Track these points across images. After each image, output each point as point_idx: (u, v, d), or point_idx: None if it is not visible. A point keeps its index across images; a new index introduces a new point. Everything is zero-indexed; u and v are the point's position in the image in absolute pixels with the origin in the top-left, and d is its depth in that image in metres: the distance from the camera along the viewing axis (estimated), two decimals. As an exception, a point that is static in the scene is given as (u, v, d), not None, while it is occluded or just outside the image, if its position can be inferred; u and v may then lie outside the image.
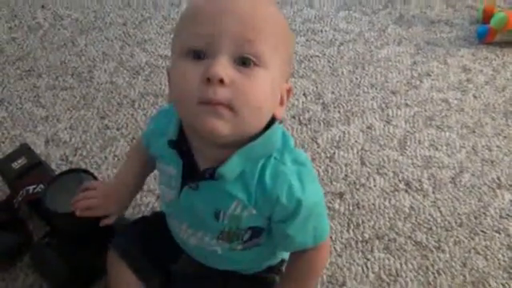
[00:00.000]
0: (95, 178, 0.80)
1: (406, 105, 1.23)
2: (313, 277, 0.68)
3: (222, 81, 0.49)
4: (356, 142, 1.12)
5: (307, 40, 1.46)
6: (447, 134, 1.16)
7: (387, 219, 0.95)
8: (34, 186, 0.86)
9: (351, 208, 0.97)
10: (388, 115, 1.20)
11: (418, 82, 1.31)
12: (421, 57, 1.41)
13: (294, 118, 1.18)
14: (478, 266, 0.88)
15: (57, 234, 0.81)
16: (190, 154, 0.59)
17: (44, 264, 0.81)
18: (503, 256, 0.90)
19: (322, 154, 1.08)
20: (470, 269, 0.88)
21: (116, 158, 1.05)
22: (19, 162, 0.89)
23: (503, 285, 0.86)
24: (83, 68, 1.31)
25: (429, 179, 1.04)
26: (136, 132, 1.11)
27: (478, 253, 0.90)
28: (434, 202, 0.99)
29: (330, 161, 1.07)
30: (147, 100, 1.21)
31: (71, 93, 1.23)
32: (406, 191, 1.01)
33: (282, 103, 0.57)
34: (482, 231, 0.94)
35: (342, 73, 1.34)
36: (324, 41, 1.46)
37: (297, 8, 1.62)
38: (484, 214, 0.98)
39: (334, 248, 0.89)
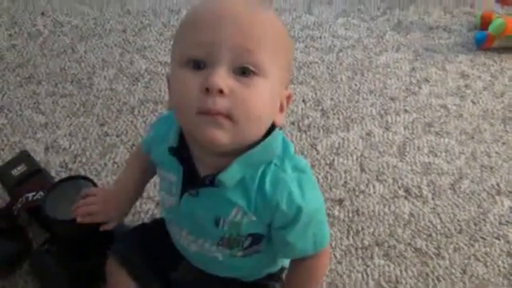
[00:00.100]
0: (95, 185, 0.80)
1: (405, 111, 1.24)
2: (313, 284, 0.68)
3: (221, 91, 0.49)
4: (355, 148, 1.12)
5: (306, 46, 1.46)
6: (446, 140, 1.16)
7: (387, 226, 0.95)
8: (34, 193, 0.86)
9: (351, 215, 0.97)
10: (387, 122, 1.20)
11: (416, 89, 1.32)
12: (419, 63, 1.42)
13: (293, 124, 1.18)
14: (478, 272, 0.88)
15: (56, 241, 0.81)
16: (191, 161, 0.59)
17: (43, 271, 0.81)
18: (503, 263, 0.90)
19: (322, 161, 1.09)
20: (470, 275, 0.88)
21: (116, 165, 1.05)
22: (19, 169, 0.89)
23: (503, 291, 0.86)
24: (83, 75, 1.32)
25: (428, 186, 1.04)
26: (136, 139, 1.12)
27: (478, 259, 0.90)
28: (434, 208, 0.99)
29: (330, 167, 1.07)
30: (147, 107, 1.21)
31: (71, 100, 1.23)
32: (406, 198, 1.01)
33: (281, 110, 0.57)
34: (482, 238, 0.94)
35: (341, 79, 1.34)
36: (323, 47, 1.46)
37: (296, 15, 1.62)
38: (483, 220, 0.98)
39: (334, 255, 0.89)
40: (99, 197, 0.73)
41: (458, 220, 0.97)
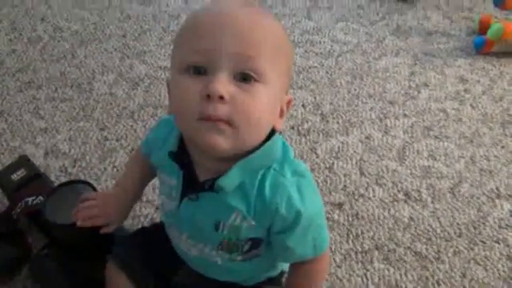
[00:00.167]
0: (94, 190, 0.80)
1: (404, 115, 1.24)
2: (313, 288, 0.68)
3: (221, 97, 0.49)
4: (355, 152, 1.12)
5: (306, 51, 1.47)
6: (445, 144, 1.16)
7: (386, 230, 0.95)
8: (33, 198, 0.86)
9: (350, 219, 0.97)
10: (386, 125, 1.20)
11: (415, 93, 1.32)
12: (418, 67, 1.42)
13: (292, 128, 1.18)
14: (478, 276, 0.88)
15: (56, 245, 0.81)
16: (191, 166, 0.59)
17: (43, 276, 0.81)
18: (503, 266, 0.90)
19: (321, 165, 1.09)
20: (470, 279, 0.88)
21: (115, 170, 1.05)
22: (18, 173, 0.89)
23: (503, 295, 0.86)
24: (83, 80, 1.32)
25: (428, 189, 1.04)
26: (135, 143, 1.12)
27: (478, 263, 0.90)
28: (433, 212, 0.99)
29: (329, 171, 1.07)
30: (146, 111, 1.21)
31: (71, 104, 1.23)
32: (405, 201, 1.01)
33: (281, 115, 0.58)
34: (482, 241, 0.94)
35: (341, 84, 1.34)
36: (322, 52, 1.47)
37: (295, 20, 1.63)
38: (483, 224, 0.98)
39: (334, 259, 0.89)
40: (99, 200, 0.73)
41: (458, 224, 0.97)
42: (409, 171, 1.08)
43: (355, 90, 1.32)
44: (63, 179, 1.01)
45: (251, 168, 0.56)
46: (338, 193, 1.02)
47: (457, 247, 0.93)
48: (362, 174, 1.07)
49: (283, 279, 0.74)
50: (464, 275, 0.88)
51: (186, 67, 0.52)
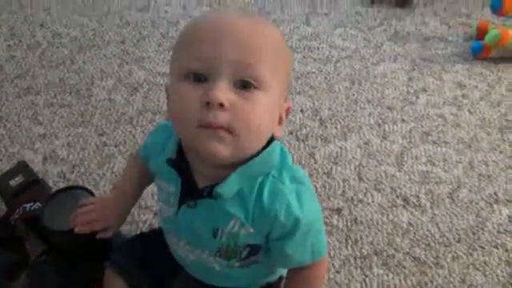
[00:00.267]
0: (93, 195, 0.80)
1: (403, 120, 1.24)
2: (311, 294, 0.68)
3: (221, 105, 0.49)
4: (353, 157, 1.12)
5: (304, 57, 1.47)
6: (444, 149, 1.16)
7: (385, 235, 0.95)
8: (31, 204, 0.85)
9: (349, 224, 0.97)
10: (385, 131, 1.21)
11: (414, 98, 1.32)
12: (416, 73, 1.43)
13: (291, 134, 1.18)
14: (477, 281, 0.88)
15: (54, 251, 0.81)
16: (189, 172, 0.59)
17: (41, 282, 0.80)
18: (502, 272, 0.90)
19: (320, 170, 1.09)
20: (469, 285, 0.87)
21: (114, 175, 1.05)
22: (16, 179, 0.89)
23: (502, 301, 0.86)
24: (81, 85, 1.32)
25: (426, 195, 1.04)
26: (134, 149, 1.12)
27: (477, 268, 0.90)
28: (432, 217, 0.99)
29: (328, 177, 1.07)
30: (145, 117, 1.22)
31: (69, 110, 1.23)
32: (404, 207, 1.01)
33: (280, 122, 0.58)
34: (481, 247, 0.94)
35: (339, 89, 1.35)
36: (321, 58, 1.47)
37: (293, 26, 1.64)
38: (482, 229, 0.98)
39: (333, 264, 0.89)
40: (97, 204, 0.73)
41: (457, 229, 0.97)
42: (407, 176, 1.08)
43: (353, 95, 1.33)
44: (62, 185, 1.01)
45: (250, 175, 0.56)
46: (336, 198, 1.02)
47: (456, 252, 0.93)
48: (360, 179, 1.07)
49: (281, 285, 0.74)
50: (463, 280, 0.88)
51: (186, 74, 0.52)
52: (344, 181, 1.06)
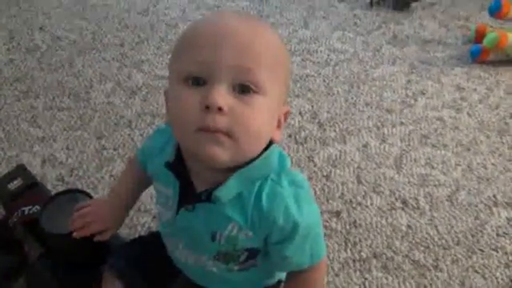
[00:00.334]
0: (91, 199, 0.80)
1: (402, 123, 1.24)
2: (310, 297, 0.67)
3: (220, 109, 0.49)
4: (352, 160, 1.12)
5: (303, 60, 1.48)
6: (443, 152, 1.16)
7: (384, 238, 0.95)
8: (30, 207, 0.85)
9: (348, 227, 0.97)
10: (383, 134, 1.21)
11: (412, 101, 1.33)
12: (415, 76, 1.43)
13: (290, 137, 1.18)
14: (476, 284, 0.88)
15: (52, 255, 0.80)
16: (187, 176, 0.59)
17: (40, 285, 0.80)
18: (501, 274, 0.90)
19: (319, 173, 1.09)
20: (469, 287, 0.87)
21: (112, 178, 1.05)
22: (15, 182, 0.89)
23: (502, 303, 0.86)
24: (80, 89, 1.32)
25: (425, 197, 1.04)
26: (133, 152, 1.11)
27: (476, 271, 0.90)
28: (431, 220, 0.99)
29: (327, 179, 1.07)
30: (144, 120, 1.22)
31: (68, 113, 1.23)
32: (403, 209, 1.01)
33: (279, 126, 0.58)
34: (480, 249, 0.94)
35: (338, 92, 1.35)
36: (319, 61, 1.48)
37: (292, 29, 1.64)
38: (481, 232, 0.97)
39: (332, 267, 0.89)
40: (93, 207, 0.73)
41: (456, 232, 0.97)
42: (406, 179, 1.08)
43: (352, 98, 1.33)
44: (60, 188, 1.01)
45: (248, 179, 0.56)
46: (335, 201, 1.02)
47: (455, 255, 0.93)
48: (359, 182, 1.07)
49: (281, 288, 0.73)
50: (462, 283, 0.88)
51: (185, 78, 0.52)
52: (343, 184, 1.06)
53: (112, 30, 1.60)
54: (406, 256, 0.92)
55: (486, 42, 1.46)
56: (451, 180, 1.09)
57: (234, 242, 0.59)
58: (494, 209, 1.02)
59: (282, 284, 0.72)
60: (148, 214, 0.96)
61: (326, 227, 0.96)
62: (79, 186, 1.01)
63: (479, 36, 1.54)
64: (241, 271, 0.64)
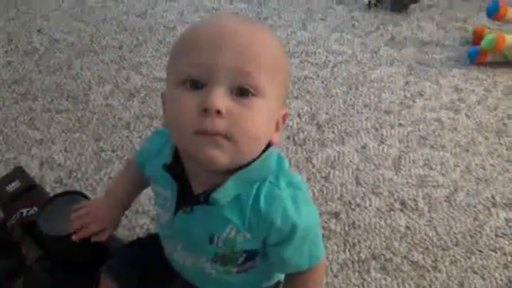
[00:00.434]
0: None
1: (400, 124, 1.25)
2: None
3: (219, 112, 0.49)
4: (351, 161, 1.13)
5: (301, 62, 1.48)
6: (441, 153, 1.16)
7: (383, 239, 0.95)
8: (28, 209, 0.85)
9: (347, 228, 0.97)
10: (382, 135, 1.21)
11: (410, 102, 1.33)
12: (413, 77, 1.43)
13: (288, 138, 1.18)
14: (475, 285, 0.88)
15: (51, 257, 0.80)
16: (185, 178, 0.59)
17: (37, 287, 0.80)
18: (500, 275, 0.90)
19: (317, 174, 1.09)
20: (468, 288, 0.87)
21: (111, 180, 1.04)
22: (13, 185, 0.88)
23: (501, 304, 0.86)
24: (79, 91, 1.32)
25: (424, 198, 1.04)
26: (131, 154, 1.11)
27: (475, 272, 0.90)
28: (430, 221, 0.99)
29: (325, 181, 1.07)
30: (142, 122, 1.22)
31: (66, 115, 1.23)
32: (402, 211, 1.01)
33: (277, 129, 0.58)
34: (479, 250, 0.94)
35: (336, 94, 1.35)
36: (318, 62, 1.48)
37: (290, 31, 1.64)
38: (480, 232, 0.97)
39: (331, 269, 0.89)
40: (90, 207, 0.73)
41: (454, 232, 0.97)
42: (405, 180, 1.08)
43: (351, 99, 1.33)
44: (58, 190, 1.00)
45: (246, 181, 0.56)
46: (334, 202, 1.02)
47: (454, 256, 0.93)
48: (358, 183, 1.07)
49: (279, 289, 0.73)
50: (461, 284, 0.88)
51: (183, 80, 0.52)
52: (341, 185, 1.06)
53: (110, 32, 1.60)
54: (405, 257, 0.92)
55: (483, 43, 1.46)
56: (450, 181, 1.09)
57: (232, 244, 0.59)
58: (493, 210, 1.02)
59: (281, 285, 0.72)
60: (146, 215, 0.96)
61: (324, 228, 0.96)
62: (78, 188, 1.01)
63: (477, 38, 1.54)
64: (239, 273, 0.64)
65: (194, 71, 0.51)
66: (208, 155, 0.50)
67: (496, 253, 0.94)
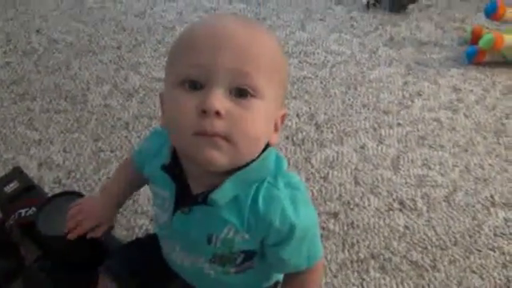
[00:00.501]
0: (86, 200, 0.80)
1: (399, 124, 1.25)
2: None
3: (218, 113, 0.49)
4: (349, 161, 1.13)
5: (300, 62, 1.48)
6: (440, 153, 1.17)
7: (382, 239, 0.95)
8: (26, 210, 0.85)
9: (346, 228, 0.97)
10: (381, 135, 1.21)
11: (409, 102, 1.33)
12: (412, 77, 1.43)
13: (287, 138, 1.18)
14: (474, 285, 0.88)
15: (49, 257, 0.80)
16: (183, 178, 0.59)
17: (36, 288, 0.80)
18: (499, 274, 0.90)
19: (316, 175, 1.09)
20: (466, 288, 0.88)
21: (108, 179, 1.04)
22: (12, 185, 0.88)
23: (500, 304, 0.86)
24: (77, 91, 1.32)
25: (422, 198, 1.04)
26: (130, 154, 1.11)
27: (474, 272, 0.90)
28: (429, 220, 0.99)
29: (324, 181, 1.07)
30: (141, 122, 1.21)
31: (65, 116, 1.23)
32: (401, 210, 1.01)
33: (276, 129, 0.57)
34: (477, 250, 0.94)
35: (335, 94, 1.35)
36: (316, 63, 1.48)
37: (289, 31, 1.64)
38: (478, 232, 0.98)
39: (330, 268, 0.89)
40: (84, 205, 0.73)
41: (453, 232, 0.97)
42: (403, 180, 1.08)
43: (349, 99, 1.33)
44: (57, 191, 1.00)
45: (245, 181, 0.56)
46: (333, 202, 1.02)
47: (452, 256, 0.93)
48: (356, 183, 1.07)
49: (278, 289, 0.73)
50: (460, 284, 0.88)
51: (182, 81, 0.52)
52: (340, 185, 1.06)
53: (109, 32, 1.60)
54: (404, 257, 0.92)
55: (481, 43, 1.46)
56: (448, 181, 1.09)
57: (230, 244, 0.59)
58: (492, 209, 1.03)
59: (280, 286, 0.71)
60: (145, 216, 0.96)
61: (323, 228, 0.96)
62: (76, 189, 1.01)
63: (475, 37, 1.54)
64: (237, 273, 0.64)
65: (193, 72, 0.51)
66: (207, 156, 0.50)
67: (495, 252, 0.94)
